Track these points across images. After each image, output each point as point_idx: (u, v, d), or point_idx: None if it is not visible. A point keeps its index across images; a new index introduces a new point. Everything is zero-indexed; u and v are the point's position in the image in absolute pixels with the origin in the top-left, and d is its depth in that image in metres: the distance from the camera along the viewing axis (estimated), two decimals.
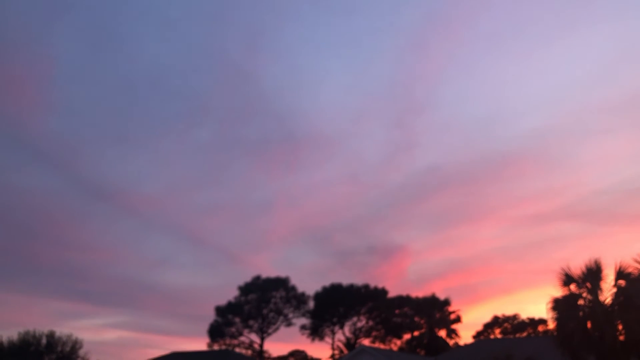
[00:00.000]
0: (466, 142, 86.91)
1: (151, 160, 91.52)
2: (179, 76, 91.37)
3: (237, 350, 60.64)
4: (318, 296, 64.35)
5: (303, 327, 64.25)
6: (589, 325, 21.57)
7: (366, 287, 65.03)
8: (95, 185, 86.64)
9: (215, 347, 61.26)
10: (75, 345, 47.22)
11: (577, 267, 22.62)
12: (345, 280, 66.46)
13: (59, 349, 46.37)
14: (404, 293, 67.06)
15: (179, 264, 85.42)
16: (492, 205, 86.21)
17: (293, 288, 64.60)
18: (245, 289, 63.76)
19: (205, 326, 62.66)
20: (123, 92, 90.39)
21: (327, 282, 66.43)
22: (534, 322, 66.66)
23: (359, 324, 64.30)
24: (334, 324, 64.06)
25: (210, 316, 63.41)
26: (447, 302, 65.54)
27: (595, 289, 22.02)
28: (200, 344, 71.97)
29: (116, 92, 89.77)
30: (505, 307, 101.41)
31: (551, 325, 25.48)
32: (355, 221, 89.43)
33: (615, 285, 21.77)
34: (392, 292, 66.60)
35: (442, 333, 64.35)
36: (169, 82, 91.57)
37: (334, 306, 63.38)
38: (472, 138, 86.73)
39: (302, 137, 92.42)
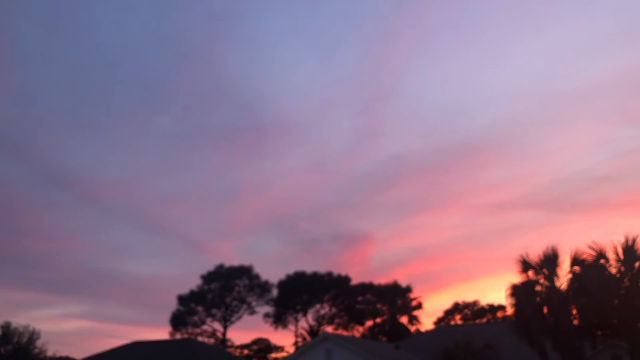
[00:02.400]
0: (430, 131, 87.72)
1: (112, 147, 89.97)
2: (141, 61, 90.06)
3: (200, 339, 60.22)
4: (282, 284, 64.30)
5: (266, 315, 64.43)
6: (545, 310, 21.89)
7: (330, 275, 65.01)
8: (54, 172, 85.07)
9: (178, 336, 61.09)
10: (33, 336, 46.48)
11: (535, 254, 22.96)
12: (309, 268, 68.13)
13: (15, 340, 45.47)
14: (367, 280, 66.74)
15: (141, 252, 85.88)
16: (455, 193, 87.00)
17: (257, 276, 64.67)
18: (209, 278, 63.48)
19: (167, 315, 62.57)
20: (83, 76, 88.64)
21: (291, 271, 66.52)
22: (493, 309, 67.09)
23: (323, 312, 64.59)
24: (298, 312, 64.08)
25: (173, 305, 63.18)
26: (409, 289, 65.75)
27: (552, 275, 22.39)
28: (162, 333, 72.68)
29: (76, 76, 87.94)
30: (465, 294, 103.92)
31: (509, 311, 26.12)
32: (321, 209, 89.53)
33: (571, 271, 22.22)
34: (356, 280, 66.78)
35: (404, 319, 64.69)
36: (131, 67, 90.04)
37: (297, 294, 63.32)
38: (436, 127, 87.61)
39: (267, 125, 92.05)
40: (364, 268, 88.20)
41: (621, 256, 21.65)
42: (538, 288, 22.59)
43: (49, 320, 77.39)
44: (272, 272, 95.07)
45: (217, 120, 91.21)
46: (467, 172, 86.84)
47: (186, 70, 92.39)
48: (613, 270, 21.72)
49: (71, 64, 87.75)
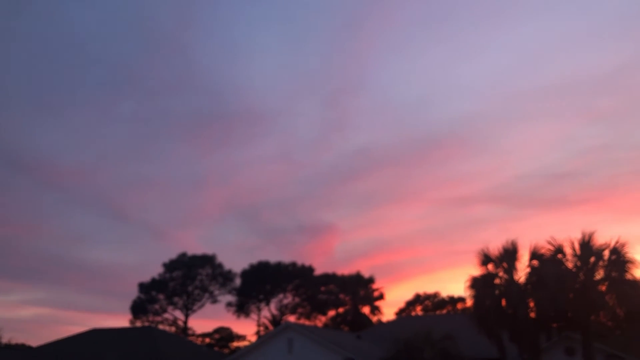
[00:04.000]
0: (396, 124, 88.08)
1: (74, 131, 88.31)
2: (106, 43, 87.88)
3: (161, 327, 59.95)
4: (245, 274, 64.02)
5: (229, 304, 64.19)
6: (503, 303, 22.36)
7: (293, 264, 65.15)
8: (13, 155, 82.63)
9: (138, 324, 60.71)
10: None
11: (495, 248, 23.38)
12: (273, 258, 66.63)
13: None
14: (330, 271, 67.30)
15: (102, 239, 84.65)
16: (418, 187, 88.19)
17: (220, 265, 64.37)
18: (170, 266, 63.08)
19: (128, 303, 62.09)
20: (45, 58, 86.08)
21: (254, 260, 66.29)
22: (453, 300, 67.67)
23: (285, 301, 64.84)
24: (260, 301, 64.09)
25: (134, 293, 62.68)
26: (371, 280, 66.23)
27: (511, 268, 22.83)
28: (122, 321, 71.03)
29: (35, 57, 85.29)
30: (426, 285, 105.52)
31: (469, 303, 26.40)
32: (286, 199, 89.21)
33: (529, 265, 22.64)
34: (319, 270, 67.04)
35: (366, 310, 65.18)
36: (95, 49, 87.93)
37: (260, 283, 63.20)
38: (402, 121, 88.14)
39: (234, 113, 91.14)
40: (328, 259, 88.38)
41: (578, 251, 22.02)
42: (497, 281, 22.96)
43: (5, 307, 76.98)
44: (236, 261, 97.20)
45: (183, 107, 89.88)
46: (431, 166, 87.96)
47: (153, 55, 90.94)
48: (569, 265, 22.08)
49: (33, 44, 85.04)
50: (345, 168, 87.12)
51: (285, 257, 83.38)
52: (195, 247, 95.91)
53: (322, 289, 65.73)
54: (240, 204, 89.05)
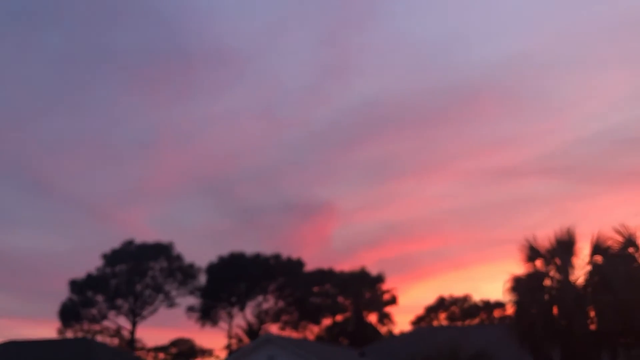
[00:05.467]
0: (416, 69, 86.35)
1: None
2: None
3: (99, 338, 60.58)
4: (212, 268, 64.50)
5: (191, 309, 64.67)
6: (555, 311, 22.38)
7: (277, 257, 65.68)
8: None
9: (69, 335, 61.25)
10: None
11: (546, 238, 23.19)
12: (249, 248, 66.48)
13: None
14: (325, 266, 67.34)
15: (18, 220, 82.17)
16: (445, 154, 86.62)
17: (178, 257, 64.78)
18: (112, 258, 63.39)
19: (55, 306, 62.13)
20: None
21: (225, 250, 66.26)
22: (488, 306, 67.99)
23: (266, 306, 65.35)
24: (232, 305, 64.52)
25: (64, 293, 62.70)
26: (380, 279, 66.52)
27: (566, 266, 22.81)
28: (48, 330, 74.13)
29: None
30: (454, 285, 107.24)
31: (509, 310, 27.82)
32: (267, 169, 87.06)
33: (590, 262, 22.63)
34: (311, 265, 67.06)
35: (373, 318, 66.01)
36: None
37: (233, 282, 63.63)
38: (424, 65, 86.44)
39: (196, 52, 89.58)
40: (323, 249, 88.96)
41: None
42: (547, 282, 23.09)
43: None
44: (200, 251, 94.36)
45: (125, 41, 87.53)
46: (462, 125, 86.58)
47: None
48: None
49: None
50: (347, 128, 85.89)
51: (266, 247, 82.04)
52: (146, 233, 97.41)
53: (315, 289, 66.33)
54: (206, 175, 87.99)
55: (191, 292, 64.65)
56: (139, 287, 63.34)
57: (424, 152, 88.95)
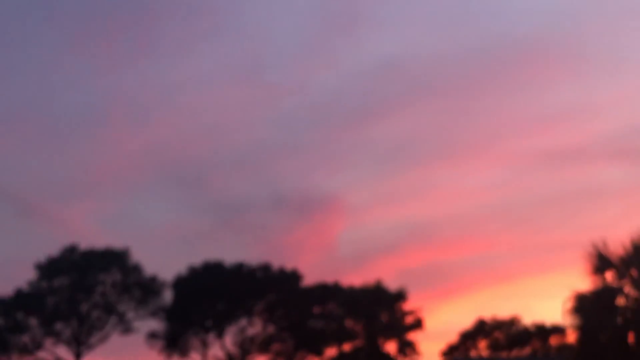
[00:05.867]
0: (447, 22, 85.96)
1: None
2: None
3: None
4: (180, 283, 60.16)
5: (153, 336, 60.24)
6: (631, 338, 21.77)
7: (266, 268, 61.58)
8: None
9: None
10: None
11: (619, 242, 22.69)
12: (230, 256, 62.64)
13: None
14: (330, 279, 63.49)
15: None
16: (485, 132, 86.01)
17: (136, 268, 60.04)
18: (49, 269, 58.87)
19: None
20: None
21: (197, 259, 61.60)
22: (543, 331, 65.35)
23: (251, 331, 61.54)
24: (207, 331, 60.77)
25: None
26: (401, 296, 62.69)
27: None
28: None
29: None
30: (497, 305, 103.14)
31: (571, 337, 28.28)
32: (252, 153, 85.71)
33: None
34: (311, 278, 63.18)
35: (391, 347, 63.24)
36: None
37: (208, 300, 59.77)
38: (457, 16, 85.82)
39: None
40: (326, 258, 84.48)
41: None
42: (621, 301, 22.46)
43: None
44: (164, 261, 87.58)
45: None
46: (509, 95, 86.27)
47: None
48: None
49: None
50: (357, 98, 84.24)
51: (252, 255, 76.67)
52: (93, 236, 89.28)
53: (316, 310, 62.91)
54: (171, 160, 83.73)
55: (153, 314, 59.87)
56: (84, 307, 58.55)
57: (457, 129, 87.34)
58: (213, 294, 59.39)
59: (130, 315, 59.65)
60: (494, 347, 67.50)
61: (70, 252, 59.08)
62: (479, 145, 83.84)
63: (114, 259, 59.41)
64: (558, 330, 62.74)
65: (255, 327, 61.47)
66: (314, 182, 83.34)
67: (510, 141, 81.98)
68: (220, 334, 60.61)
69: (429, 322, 64.82)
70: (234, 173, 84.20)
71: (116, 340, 59.65)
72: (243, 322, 61.03)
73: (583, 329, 22.66)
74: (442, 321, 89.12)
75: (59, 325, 58.29)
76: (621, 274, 22.62)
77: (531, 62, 75.02)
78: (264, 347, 61.49)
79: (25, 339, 57.86)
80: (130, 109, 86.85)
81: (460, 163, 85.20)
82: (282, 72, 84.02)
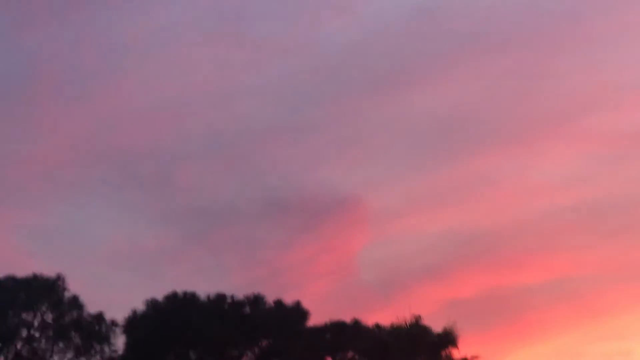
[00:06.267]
0: None
1: None
2: None
3: None
4: (136, 324, 51.78)
5: None
6: None
7: (257, 301, 53.92)
8: None
9: None
10: None
11: None
12: (205, 285, 55.55)
13: None
14: (347, 317, 54.43)
15: None
16: (563, 104, 71.08)
17: (74, 303, 51.37)
18: None
19: None
20: None
21: (159, 290, 53.48)
22: None
23: None
24: None
25: None
26: (448, 339, 50.44)
27: None
28: None
29: None
30: (587, 349, 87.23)
31: None
32: (234, 138, 72.46)
33: None
34: (320, 315, 54.76)
35: None
36: None
37: (175, 348, 52.01)
38: None
39: None
40: (342, 286, 71.26)
41: None
42: None
43: None
44: (113, 293, 77.28)
45: None
46: (598, 51, 70.66)
47: None
48: None
49: None
50: (381, 58, 70.27)
51: (238, 283, 66.19)
52: (14, 258, 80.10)
53: None
54: (124, 150, 71.01)
55: None
56: (2, 356, 50.17)
57: (523, 102, 72.40)
58: (182, 339, 50.44)
59: None
60: None
61: None
62: (554, 124, 71.35)
63: (42, 291, 50.37)
64: None
65: None
66: (322, 178, 72.09)
67: (599, 117, 69.53)
68: None
69: None
70: (210, 166, 72.95)
71: None
72: None
73: None
74: None
75: None
76: None
77: (627, 8, 64.73)
78: None
79: None
80: (65, 79, 74.15)
81: (528, 149, 71.64)
82: (273, 23, 73.32)
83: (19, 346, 49.78)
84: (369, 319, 53.81)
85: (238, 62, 74.16)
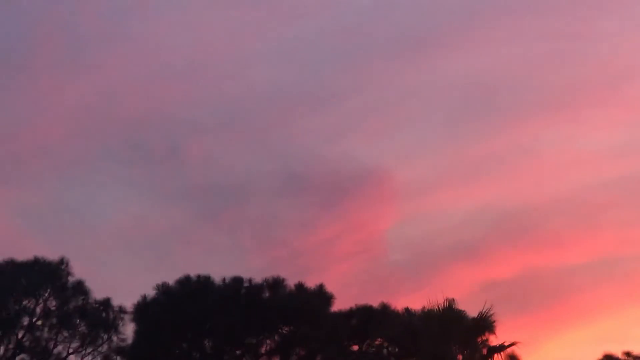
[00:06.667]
0: None
1: None
2: None
3: None
4: (146, 310, 48.43)
5: None
6: None
7: (276, 285, 50.17)
8: None
9: None
10: None
11: None
12: (220, 268, 55.01)
13: None
14: (375, 300, 50.78)
15: None
16: (612, 67, 69.83)
17: (79, 289, 49.61)
18: None
19: None
20: None
21: (171, 273, 49.87)
22: None
23: None
24: None
25: None
26: (485, 324, 45.54)
27: None
28: None
29: None
30: (632, 334, 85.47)
31: None
32: (248, 107, 71.62)
33: None
34: (346, 299, 52.53)
35: None
36: None
37: (188, 335, 48.65)
38: None
39: None
40: (368, 268, 67.70)
41: None
42: None
43: None
44: (121, 277, 75.73)
45: None
46: None
47: None
48: None
49: None
50: (411, 18, 69.61)
51: (256, 266, 63.55)
52: (13, 239, 78.55)
53: (354, 348, 51.49)
54: (129, 121, 69.39)
55: (106, 358, 49.84)
56: (3, 347, 47.99)
57: (567, 65, 69.44)
58: (196, 326, 47.05)
59: (68, 353, 48.22)
60: None
61: None
62: (599, 90, 68.86)
63: (45, 276, 48.07)
64: None
65: None
66: (345, 150, 69.06)
67: None
68: None
69: None
70: (222, 138, 70.21)
71: None
72: None
73: None
74: (552, 358, 73.54)
75: None
76: None
77: None
78: None
79: None
80: (65, 45, 71.33)
81: (571, 117, 68.67)
82: None
83: (20, 335, 47.93)
84: (398, 303, 50.39)
85: (253, 25, 72.18)
